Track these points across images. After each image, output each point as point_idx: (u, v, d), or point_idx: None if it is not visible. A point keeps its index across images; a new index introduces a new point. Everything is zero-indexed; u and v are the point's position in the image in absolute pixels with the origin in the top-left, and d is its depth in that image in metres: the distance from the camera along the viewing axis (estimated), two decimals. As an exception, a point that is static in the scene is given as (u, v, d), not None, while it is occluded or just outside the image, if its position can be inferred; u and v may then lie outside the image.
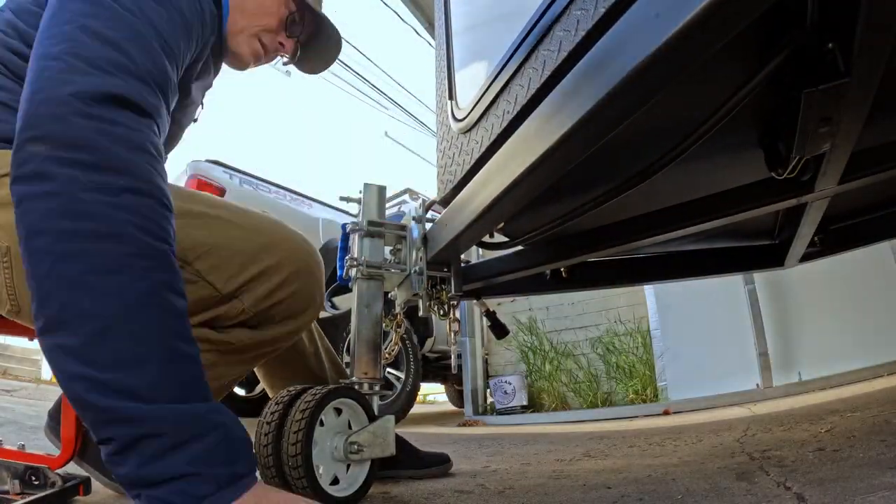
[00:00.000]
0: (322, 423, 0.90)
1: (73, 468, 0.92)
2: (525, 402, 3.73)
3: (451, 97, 1.12)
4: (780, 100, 0.67)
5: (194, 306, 0.82)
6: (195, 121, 1.10)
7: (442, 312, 1.19)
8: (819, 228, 1.18)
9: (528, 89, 0.71)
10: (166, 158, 1.20)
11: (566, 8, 0.62)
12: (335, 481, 0.92)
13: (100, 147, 0.54)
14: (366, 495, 0.93)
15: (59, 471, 0.88)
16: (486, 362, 4.11)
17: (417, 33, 6.11)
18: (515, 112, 0.74)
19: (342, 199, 1.23)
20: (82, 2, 0.63)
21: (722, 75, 0.63)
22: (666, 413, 2.75)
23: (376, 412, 1.00)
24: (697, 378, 2.90)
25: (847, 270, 2.52)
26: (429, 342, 4.00)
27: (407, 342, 3.28)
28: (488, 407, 3.89)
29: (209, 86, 1.06)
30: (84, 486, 0.87)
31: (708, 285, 2.89)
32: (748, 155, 0.84)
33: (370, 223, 1.14)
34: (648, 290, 3.24)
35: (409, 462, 1.22)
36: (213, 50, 0.94)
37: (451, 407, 7.10)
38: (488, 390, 3.94)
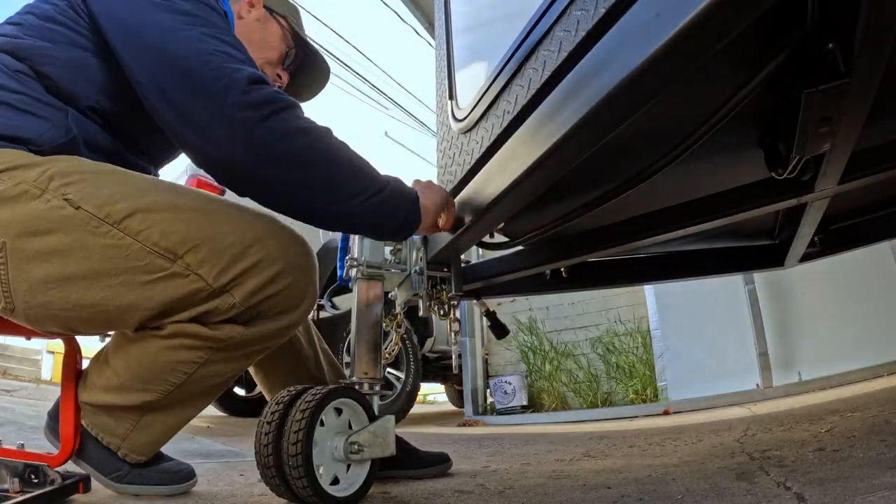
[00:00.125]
0: (322, 423, 0.90)
1: (72, 466, 0.92)
2: (525, 402, 3.73)
3: (451, 97, 1.12)
4: (780, 100, 0.67)
5: (185, 301, 0.82)
6: None
7: (442, 312, 1.19)
8: (819, 228, 1.19)
9: (528, 89, 0.71)
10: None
11: (566, 8, 0.62)
12: (335, 481, 0.92)
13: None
14: (366, 495, 0.93)
15: (58, 469, 0.88)
16: (486, 362, 4.11)
17: (417, 33, 6.12)
18: (516, 112, 0.74)
19: (342, 198, 1.23)
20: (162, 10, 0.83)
21: (722, 75, 0.63)
22: (666, 413, 2.75)
23: (376, 412, 1.00)
24: (697, 378, 2.90)
25: (847, 270, 2.52)
26: (429, 342, 4.00)
27: (407, 342, 3.28)
28: (488, 407, 3.89)
29: None
30: (83, 483, 0.87)
31: (708, 285, 2.89)
32: (748, 155, 0.84)
33: (370, 223, 1.14)
34: (648, 290, 3.24)
35: (409, 462, 1.22)
36: None
37: (451, 407, 7.10)
38: (488, 390, 3.94)
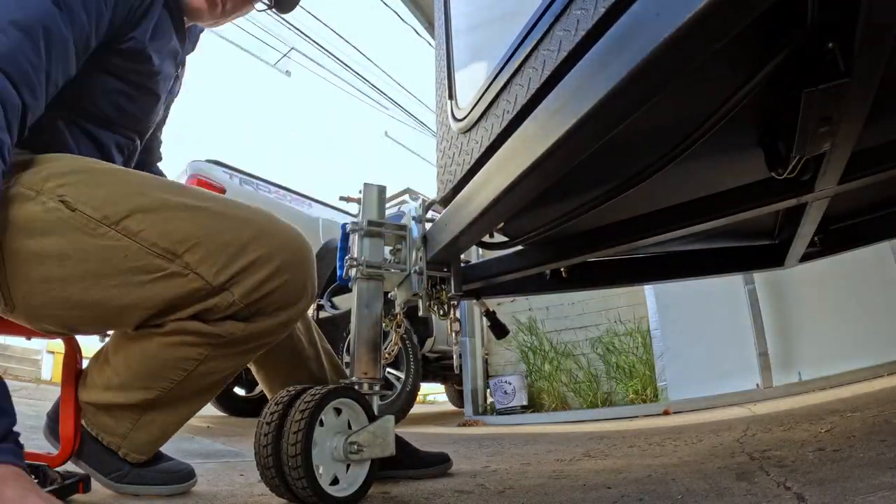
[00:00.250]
0: (322, 423, 0.90)
1: (73, 466, 0.92)
2: (525, 402, 3.72)
3: (451, 97, 1.12)
4: (780, 100, 0.67)
5: (185, 299, 0.82)
6: (175, 95, 1.10)
7: (442, 312, 1.19)
8: (819, 228, 1.18)
9: (527, 89, 0.71)
10: (156, 133, 1.16)
11: (566, 8, 0.61)
12: (335, 481, 0.92)
13: None
14: (366, 495, 0.93)
15: (58, 469, 0.88)
16: (486, 362, 4.11)
17: (417, 33, 6.11)
18: (515, 112, 0.74)
19: (342, 199, 1.23)
20: None
21: (722, 75, 0.63)
22: (666, 413, 2.75)
23: (376, 412, 1.00)
24: (697, 378, 2.90)
25: (847, 270, 2.52)
26: (429, 342, 4.00)
27: (407, 342, 3.28)
28: (488, 407, 3.89)
29: (176, 52, 1.04)
30: (83, 483, 0.87)
31: (708, 285, 2.88)
32: (748, 155, 0.84)
33: (370, 223, 1.14)
34: (648, 290, 3.24)
35: (409, 462, 1.22)
36: (168, 8, 0.94)
37: (451, 407, 7.10)
38: (488, 390, 3.93)
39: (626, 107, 0.53)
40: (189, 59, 1.16)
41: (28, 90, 0.73)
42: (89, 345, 1.33)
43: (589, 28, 0.56)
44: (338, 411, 0.96)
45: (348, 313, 1.14)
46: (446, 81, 1.17)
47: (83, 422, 0.92)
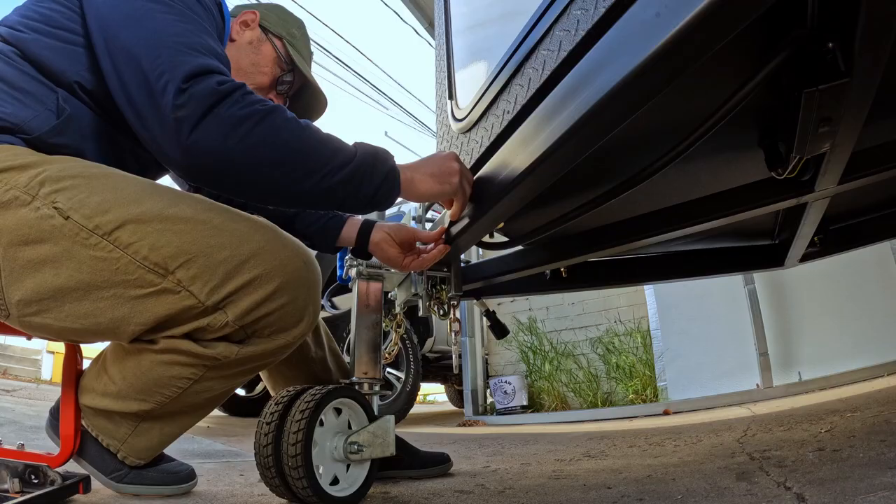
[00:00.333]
0: (322, 423, 0.90)
1: (72, 466, 0.92)
2: (525, 402, 3.72)
3: (451, 97, 1.12)
4: (780, 100, 0.67)
5: (176, 317, 0.80)
6: None
7: (442, 312, 1.19)
8: (819, 228, 1.18)
9: (527, 89, 0.71)
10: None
11: (566, 8, 0.61)
12: (335, 481, 0.92)
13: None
14: (366, 495, 0.93)
15: (58, 469, 0.88)
16: (486, 362, 4.11)
17: (417, 33, 6.12)
18: (515, 112, 0.74)
19: (342, 198, 1.23)
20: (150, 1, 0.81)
21: (722, 75, 0.63)
22: (666, 413, 2.74)
23: (376, 412, 1.00)
24: (697, 378, 2.90)
25: (847, 270, 2.52)
26: (429, 342, 4.00)
27: (407, 342, 3.28)
28: (488, 407, 3.89)
29: None
30: (84, 484, 0.87)
31: (708, 285, 2.89)
32: (748, 155, 0.84)
33: (370, 223, 1.14)
34: (648, 290, 3.24)
35: (409, 462, 1.22)
36: None
37: (451, 407, 7.10)
38: (488, 390, 3.93)
39: (627, 107, 0.53)
40: None
41: None
42: (89, 345, 1.33)
43: (589, 28, 0.55)
44: (338, 411, 0.96)
45: (348, 313, 1.14)
46: (446, 81, 1.17)
47: (83, 423, 0.92)
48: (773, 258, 1.41)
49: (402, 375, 3.21)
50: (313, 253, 0.96)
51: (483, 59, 0.95)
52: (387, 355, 1.23)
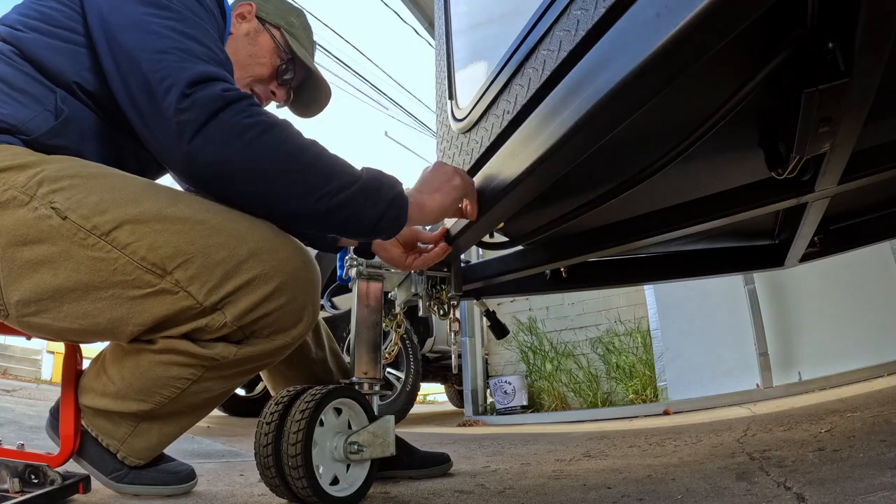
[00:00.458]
0: (322, 423, 0.90)
1: (72, 466, 0.92)
2: (525, 402, 3.73)
3: (451, 97, 1.12)
4: (780, 100, 0.67)
5: (174, 318, 0.80)
6: None
7: (442, 312, 1.19)
8: (819, 228, 1.18)
9: (528, 89, 0.71)
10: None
11: (566, 8, 0.61)
12: (335, 481, 0.92)
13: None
14: (366, 495, 0.93)
15: (58, 469, 0.88)
16: (486, 362, 4.11)
17: (417, 33, 6.12)
18: (515, 112, 0.74)
19: (342, 198, 1.23)
20: (150, 5, 0.81)
21: (722, 75, 0.63)
22: (666, 413, 2.74)
23: (376, 412, 1.00)
24: (697, 378, 2.90)
25: (847, 270, 2.52)
26: (429, 342, 4.00)
27: (407, 342, 3.28)
28: (488, 407, 3.89)
29: None
30: (83, 483, 0.87)
31: (708, 285, 2.89)
32: (748, 155, 0.84)
33: (370, 223, 1.14)
34: (648, 290, 3.24)
35: (409, 462, 1.22)
36: None
37: (451, 407, 7.10)
38: (488, 390, 3.94)
39: (627, 107, 0.53)
40: None
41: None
42: (89, 345, 1.33)
43: (589, 28, 0.55)
44: (338, 411, 0.96)
45: (348, 313, 1.14)
46: (446, 81, 1.17)
47: (83, 422, 0.92)
48: (773, 258, 1.41)
49: (402, 375, 3.22)
50: (313, 252, 0.95)
51: (483, 59, 0.95)
52: (387, 355, 1.23)
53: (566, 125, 0.57)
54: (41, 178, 0.77)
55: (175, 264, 0.77)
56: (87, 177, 0.80)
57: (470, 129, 0.96)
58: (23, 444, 0.96)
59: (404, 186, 0.87)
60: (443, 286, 1.18)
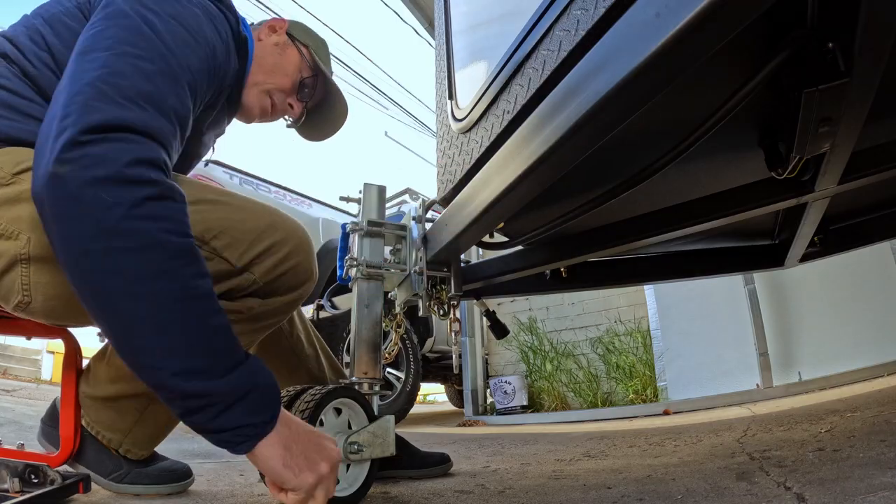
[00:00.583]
0: (322, 423, 0.90)
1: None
2: (525, 402, 3.73)
3: (451, 97, 1.12)
4: (780, 100, 0.67)
5: (213, 280, 0.84)
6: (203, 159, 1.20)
7: (442, 312, 1.19)
8: (819, 228, 1.18)
9: (528, 89, 0.71)
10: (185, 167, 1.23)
11: (566, 8, 0.61)
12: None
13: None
14: (366, 495, 0.93)
15: (58, 469, 0.88)
16: (486, 362, 4.11)
17: (417, 33, 6.12)
18: (515, 112, 0.74)
19: (342, 199, 1.24)
20: (123, 29, 0.73)
21: (722, 75, 0.63)
22: (666, 413, 2.75)
23: (376, 412, 1.00)
24: (697, 378, 2.90)
25: (847, 270, 2.52)
26: (429, 342, 4.00)
27: (407, 342, 3.28)
28: (488, 407, 3.89)
29: (222, 132, 1.14)
30: (83, 483, 0.87)
31: (708, 285, 2.89)
32: (748, 155, 0.84)
33: (370, 223, 1.14)
34: (648, 290, 3.24)
35: (409, 462, 1.22)
36: (228, 99, 1.01)
37: (451, 407, 7.10)
38: (488, 390, 3.94)
39: (626, 107, 0.53)
40: None
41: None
42: (89, 345, 1.33)
43: (589, 28, 0.56)
44: (338, 411, 0.96)
45: (348, 313, 1.14)
46: (446, 81, 1.17)
47: (83, 421, 0.92)
48: (773, 258, 1.41)
49: (402, 375, 3.22)
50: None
51: (483, 59, 0.95)
52: (387, 355, 1.23)
53: (566, 125, 0.57)
54: None
55: (212, 235, 0.88)
56: None
57: (470, 129, 0.96)
58: (23, 444, 0.96)
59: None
60: (443, 286, 1.18)
